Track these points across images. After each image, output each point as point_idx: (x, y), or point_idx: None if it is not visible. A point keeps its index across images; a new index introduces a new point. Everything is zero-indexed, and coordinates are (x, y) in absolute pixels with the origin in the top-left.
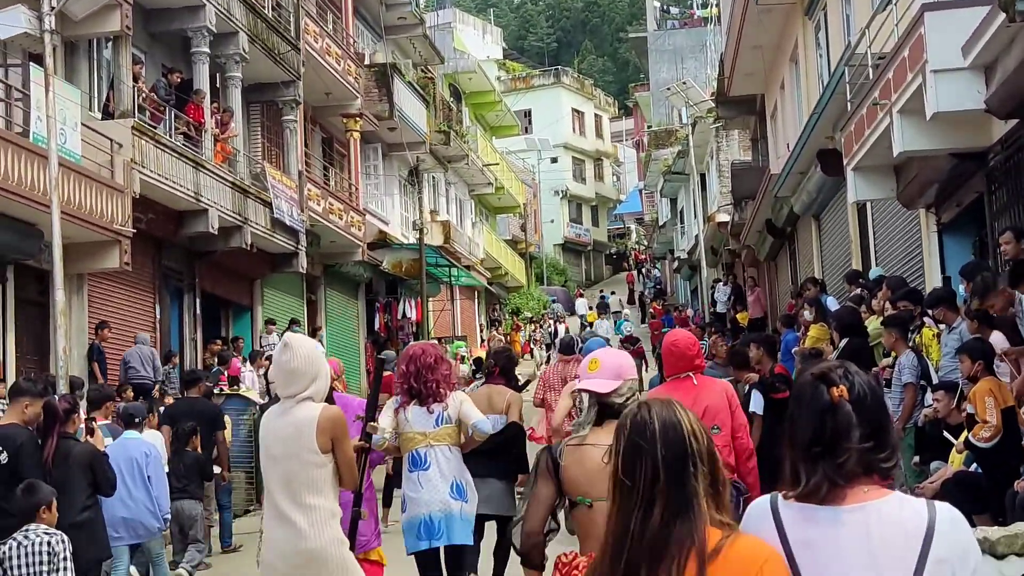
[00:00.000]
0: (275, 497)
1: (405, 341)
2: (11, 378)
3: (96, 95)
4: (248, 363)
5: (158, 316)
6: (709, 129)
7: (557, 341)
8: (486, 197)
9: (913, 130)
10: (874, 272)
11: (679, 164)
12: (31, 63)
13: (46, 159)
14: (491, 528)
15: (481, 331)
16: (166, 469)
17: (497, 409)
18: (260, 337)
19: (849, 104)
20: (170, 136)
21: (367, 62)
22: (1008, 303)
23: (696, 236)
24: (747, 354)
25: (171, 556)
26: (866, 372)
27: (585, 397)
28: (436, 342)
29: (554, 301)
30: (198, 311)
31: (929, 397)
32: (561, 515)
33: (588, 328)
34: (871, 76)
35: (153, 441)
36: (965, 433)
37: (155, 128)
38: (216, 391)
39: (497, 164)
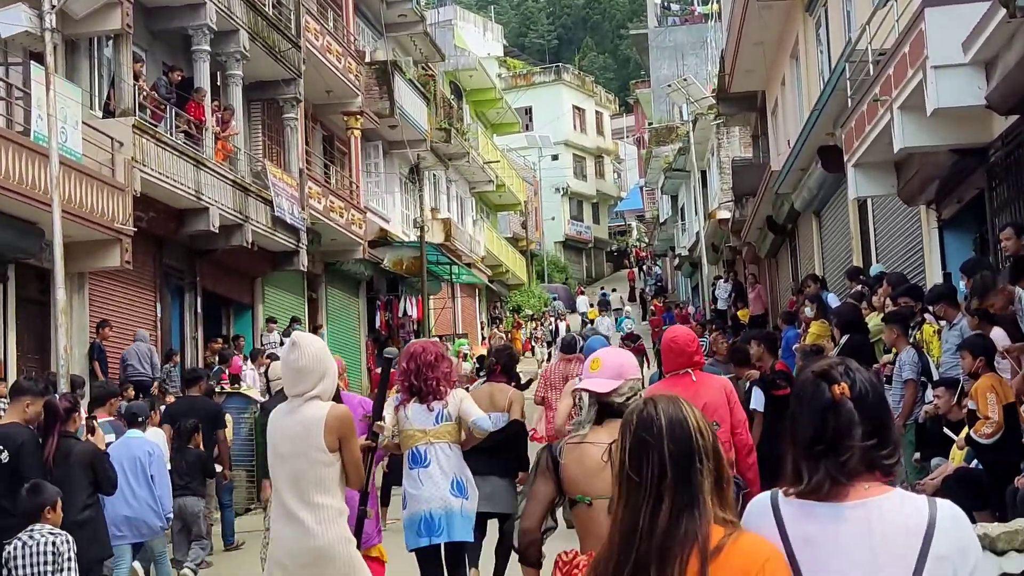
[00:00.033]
0: (283, 495)
1: (406, 339)
2: (12, 377)
3: (97, 93)
4: (249, 361)
5: (159, 314)
6: (710, 126)
7: (559, 340)
8: (487, 195)
9: (914, 126)
10: (875, 269)
11: (680, 161)
12: (32, 61)
13: (47, 158)
14: (493, 526)
15: (482, 329)
16: (168, 467)
17: (499, 407)
18: (261, 335)
19: (850, 100)
20: (171, 134)
21: (368, 60)
22: (1008, 301)
23: (697, 233)
24: (748, 351)
25: (172, 553)
26: (867, 369)
27: (585, 396)
28: (437, 340)
29: (555, 298)
30: (199, 309)
31: (930, 394)
32: (560, 513)
33: (589, 325)
34: (872, 72)
35: (155, 440)
36: (966, 429)
37: (156, 126)
38: (217, 389)
39: (498, 161)
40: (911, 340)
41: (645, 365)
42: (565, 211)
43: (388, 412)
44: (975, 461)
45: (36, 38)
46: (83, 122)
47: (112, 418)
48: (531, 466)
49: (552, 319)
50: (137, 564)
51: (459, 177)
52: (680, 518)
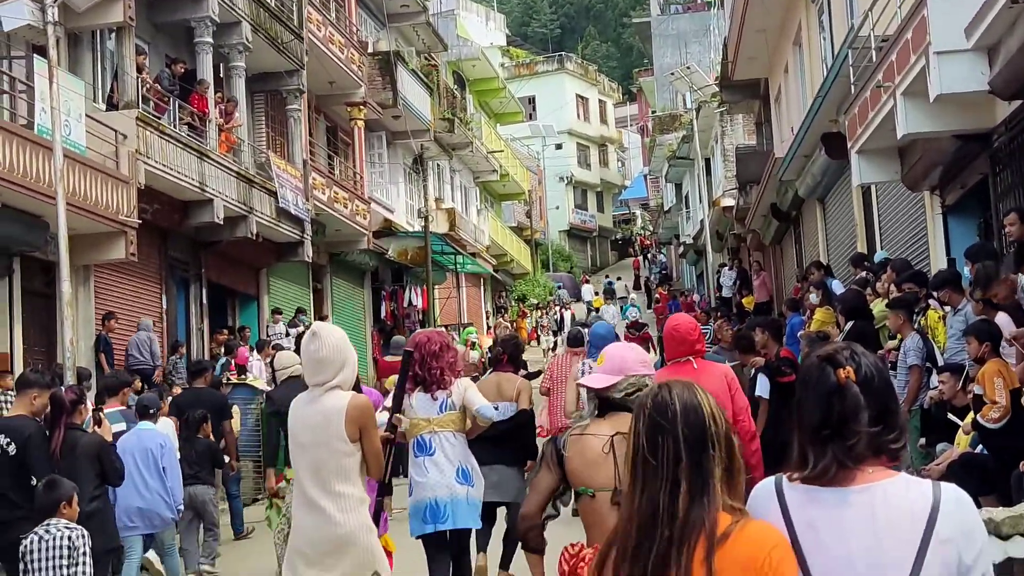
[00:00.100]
0: (304, 484)
1: (411, 329)
2: (19, 369)
3: (100, 86)
4: (256, 352)
5: (164, 306)
6: (713, 114)
7: (564, 332)
8: (491, 184)
9: (917, 112)
10: (879, 255)
11: (684, 149)
12: (35, 55)
13: (51, 151)
14: (502, 514)
15: (487, 318)
16: (178, 457)
17: (507, 396)
18: (267, 326)
19: (853, 87)
20: (174, 127)
21: (370, 50)
22: (1012, 291)
23: (701, 221)
24: (752, 338)
25: (180, 543)
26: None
27: (583, 391)
28: (443, 330)
29: (560, 287)
30: (204, 301)
31: (935, 379)
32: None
33: (594, 313)
34: (875, 59)
35: (166, 431)
36: (971, 415)
37: (159, 119)
38: (224, 380)
39: (502, 151)
40: (916, 326)
41: (651, 353)
42: (569, 200)
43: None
44: (980, 446)
45: (39, 31)
46: (87, 115)
47: (123, 407)
48: (538, 457)
49: (557, 308)
50: (153, 554)
51: (463, 167)
52: (693, 504)
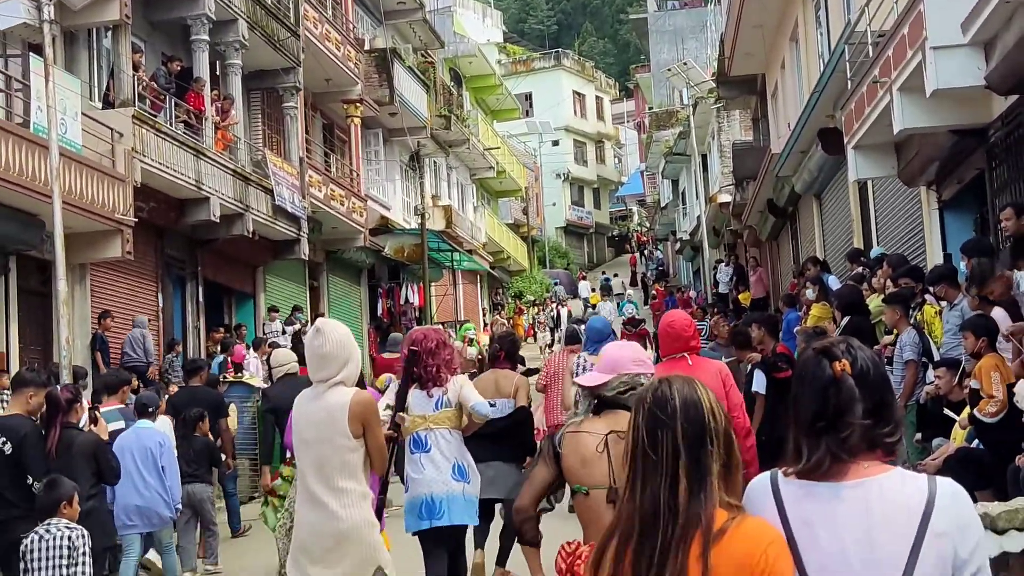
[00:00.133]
0: (307, 480)
1: (408, 326)
2: (15, 368)
3: (96, 84)
4: (252, 350)
5: (161, 304)
6: (710, 110)
7: (561, 329)
8: (487, 181)
9: (913, 107)
10: (875, 251)
11: (680, 145)
12: (31, 53)
13: (47, 149)
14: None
15: (484, 315)
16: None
17: (504, 393)
18: (263, 324)
19: (849, 82)
20: (171, 124)
21: (367, 47)
22: (1007, 288)
23: (698, 217)
24: (749, 334)
25: (177, 540)
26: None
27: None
28: (439, 327)
29: (556, 284)
30: (200, 299)
31: (931, 374)
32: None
33: (591, 310)
34: (871, 54)
35: (164, 429)
36: (967, 410)
37: (156, 117)
38: (221, 378)
39: (498, 148)
40: (912, 321)
41: (648, 349)
42: (566, 197)
43: (389, 398)
44: (976, 441)
45: (35, 29)
46: (83, 113)
47: (122, 406)
48: (536, 453)
49: (554, 305)
50: (155, 554)
51: (459, 164)
52: (691, 499)
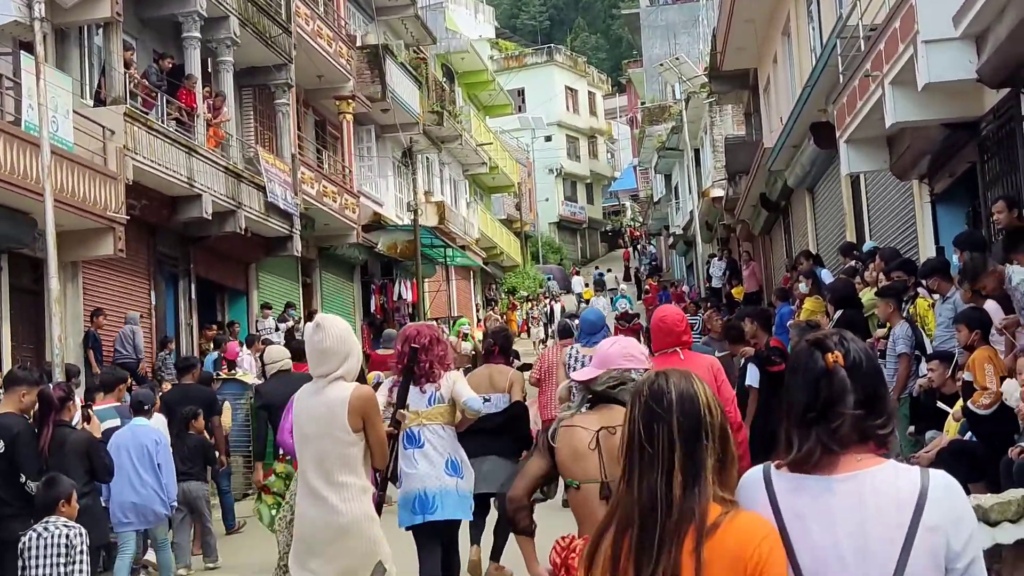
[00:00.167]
0: (307, 475)
1: (401, 323)
2: (7, 367)
3: (87, 82)
4: (245, 347)
5: (153, 302)
6: (702, 104)
7: (555, 325)
8: (480, 177)
9: (905, 101)
10: (867, 246)
11: (673, 140)
12: (22, 51)
13: (38, 147)
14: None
15: (477, 311)
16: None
17: (499, 388)
18: (256, 321)
19: (841, 76)
20: (162, 122)
21: (359, 44)
22: (1000, 282)
23: (691, 212)
24: (742, 328)
25: (172, 537)
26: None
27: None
28: (433, 323)
29: (550, 279)
30: (193, 296)
31: (924, 367)
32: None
33: (585, 305)
34: (863, 48)
35: (160, 427)
36: (960, 402)
37: (147, 114)
38: (215, 375)
39: (491, 143)
40: (904, 314)
41: (640, 344)
42: (559, 192)
43: (382, 394)
44: (969, 433)
45: (26, 27)
46: (74, 111)
47: (118, 403)
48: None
49: (547, 301)
50: (152, 553)
51: (452, 160)
52: (685, 494)
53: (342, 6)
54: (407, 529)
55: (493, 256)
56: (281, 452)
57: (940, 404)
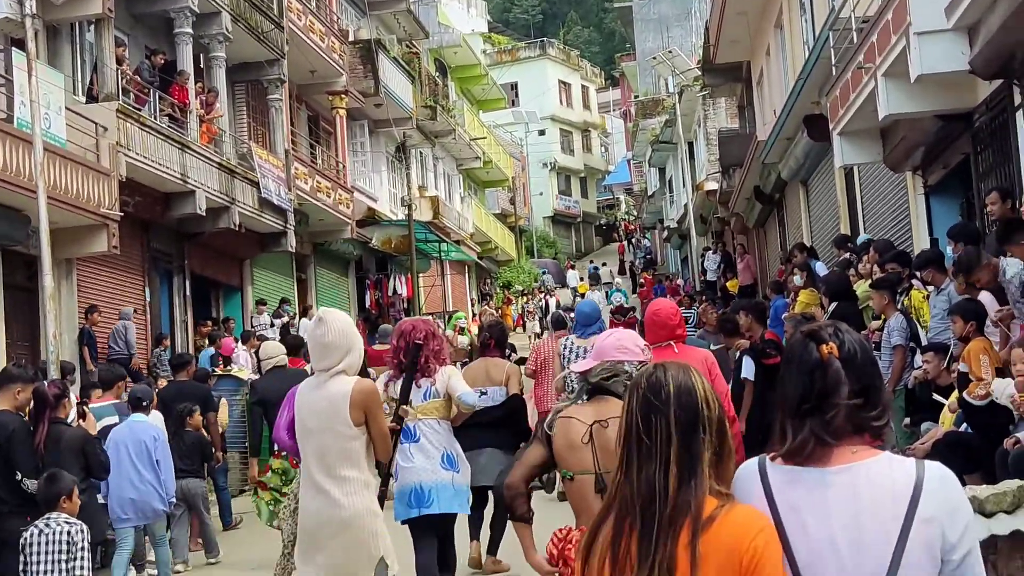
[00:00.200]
0: (310, 469)
1: (396, 318)
2: (2, 364)
3: (80, 79)
4: (241, 343)
5: (148, 299)
6: (696, 97)
7: (549, 317)
8: (474, 171)
9: (898, 93)
10: (862, 238)
11: (667, 133)
12: (13, 48)
13: (31, 144)
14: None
15: (472, 306)
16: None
17: (495, 381)
18: (251, 317)
19: (834, 69)
20: (155, 118)
21: (351, 39)
22: (994, 275)
23: (685, 205)
24: (737, 321)
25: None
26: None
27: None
28: (429, 318)
29: (545, 273)
30: (188, 293)
31: (919, 359)
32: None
33: (580, 299)
34: (855, 40)
35: (157, 423)
36: (956, 394)
37: (140, 110)
38: (210, 372)
39: (484, 138)
40: (899, 306)
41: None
42: (553, 186)
43: (379, 388)
44: (965, 425)
45: (17, 24)
46: (66, 108)
47: (117, 401)
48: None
49: (542, 295)
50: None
51: (446, 154)
52: (681, 486)
53: (334, 1)
54: (403, 523)
55: (488, 251)
56: (276, 448)
57: (936, 396)
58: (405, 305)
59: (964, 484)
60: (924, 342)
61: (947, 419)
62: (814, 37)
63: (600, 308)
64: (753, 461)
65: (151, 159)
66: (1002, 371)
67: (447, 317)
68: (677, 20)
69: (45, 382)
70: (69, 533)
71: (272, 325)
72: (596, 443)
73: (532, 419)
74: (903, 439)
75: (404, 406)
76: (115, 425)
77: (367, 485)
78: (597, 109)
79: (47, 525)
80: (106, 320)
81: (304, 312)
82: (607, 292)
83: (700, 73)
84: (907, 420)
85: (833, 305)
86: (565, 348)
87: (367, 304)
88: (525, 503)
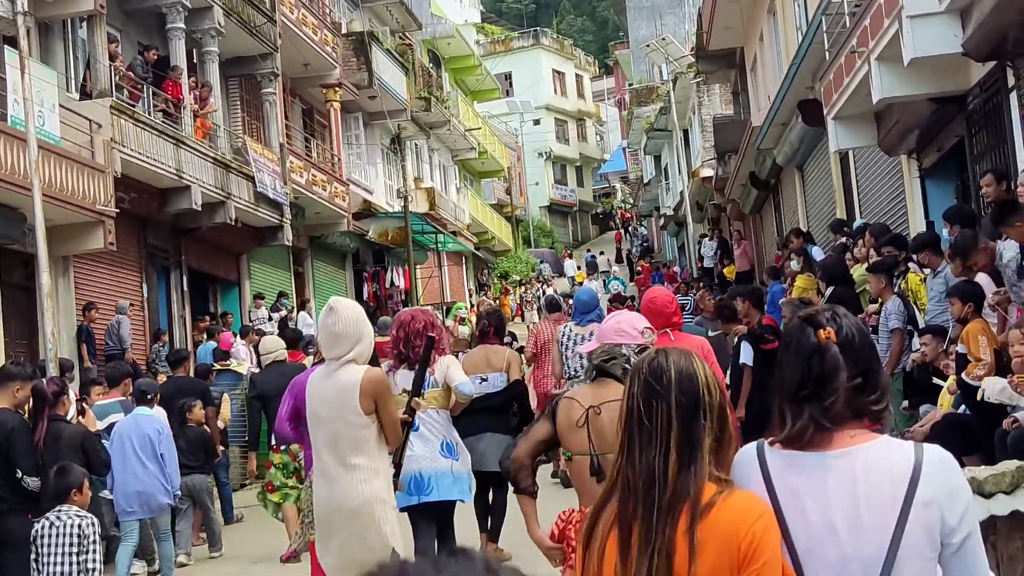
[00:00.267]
0: (321, 457)
1: (395, 310)
2: (0, 362)
3: (73, 76)
4: (239, 337)
5: (145, 295)
6: (690, 84)
7: (543, 299)
8: (470, 162)
9: (891, 76)
10: (858, 222)
11: (661, 121)
12: (5, 46)
13: (25, 142)
14: None
15: (470, 296)
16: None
17: (496, 367)
18: (249, 312)
19: (827, 53)
20: (149, 114)
21: (344, 31)
22: (991, 259)
23: (681, 192)
24: (734, 307)
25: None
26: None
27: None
28: (429, 308)
29: (542, 263)
30: (185, 288)
31: (916, 342)
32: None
33: (578, 287)
34: (848, 24)
35: (162, 418)
36: (953, 376)
37: (134, 106)
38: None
39: (479, 128)
40: (896, 289)
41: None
42: (549, 175)
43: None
44: (963, 407)
45: (9, 22)
46: (60, 105)
47: (123, 398)
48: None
49: (540, 284)
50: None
51: (441, 146)
52: (680, 472)
53: None
54: (402, 510)
55: (484, 241)
56: (275, 442)
57: (936, 379)
58: (403, 297)
59: (963, 466)
60: (921, 325)
61: (946, 401)
62: (807, 22)
63: (598, 296)
64: (751, 446)
65: (146, 155)
66: (1000, 353)
67: (445, 308)
68: (670, 7)
69: (44, 379)
70: (80, 526)
71: (270, 319)
72: (590, 427)
73: (533, 402)
74: (902, 422)
75: (416, 398)
76: (117, 422)
77: (377, 473)
78: (591, 98)
79: (58, 518)
80: (104, 317)
81: (302, 306)
82: (604, 280)
83: (694, 60)
84: (905, 403)
85: (830, 290)
86: (563, 335)
87: (365, 297)
88: (529, 476)
